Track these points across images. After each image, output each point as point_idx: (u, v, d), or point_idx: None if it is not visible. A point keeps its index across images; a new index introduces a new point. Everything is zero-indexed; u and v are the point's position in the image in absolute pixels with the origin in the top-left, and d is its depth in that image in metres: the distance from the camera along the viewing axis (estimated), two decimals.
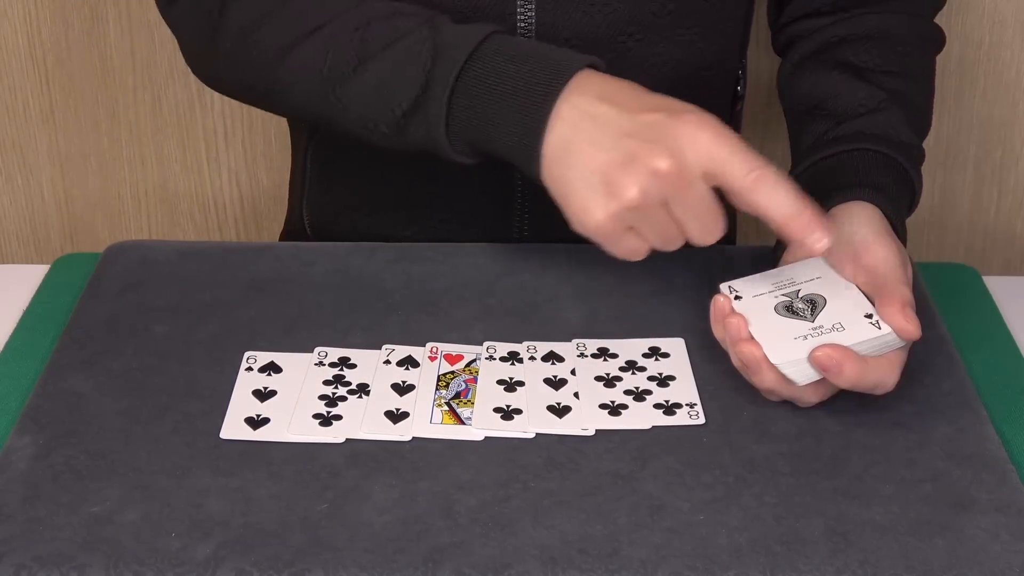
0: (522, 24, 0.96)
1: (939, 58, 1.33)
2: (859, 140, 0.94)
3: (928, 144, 1.55)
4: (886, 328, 0.79)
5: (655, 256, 0.98)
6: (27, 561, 0.70)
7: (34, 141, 1.54)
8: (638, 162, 0.78)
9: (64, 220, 1.59)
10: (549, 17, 0.96)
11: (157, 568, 0.69)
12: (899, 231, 0.89)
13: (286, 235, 1.21)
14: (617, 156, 0.79)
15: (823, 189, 0.90)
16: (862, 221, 0.87)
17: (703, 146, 0.77)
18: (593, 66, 0.84)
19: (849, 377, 0.78)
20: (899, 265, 0.84)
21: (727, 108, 1.09)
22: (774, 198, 0.77)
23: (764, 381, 0.80)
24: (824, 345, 0.79)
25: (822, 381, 0.80)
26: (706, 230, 0.79)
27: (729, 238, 1.17)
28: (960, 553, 0.71)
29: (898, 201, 0.92)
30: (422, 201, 1.06)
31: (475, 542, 0.71)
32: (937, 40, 1.07)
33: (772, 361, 0.79)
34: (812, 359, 0.78)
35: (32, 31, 1.46)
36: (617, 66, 0.96)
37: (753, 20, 1.10)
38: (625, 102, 0.81)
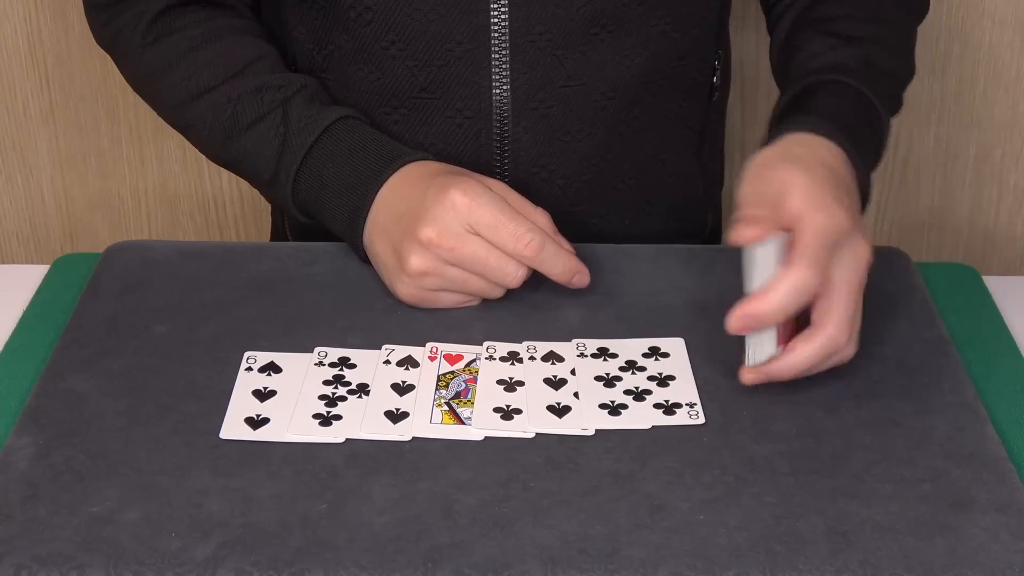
0: (495, 20, 0.97)
1: (939, 59, 1.33)
2: (819, 73, 0.98)
3: (928, 144, 1.55)
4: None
5: (655, 256, 0.98)
6: (27, 561, 0.70)
7: (34, 141, 1.54)
8: (409, 236, 0.89)
9: (64, 220, 1.59)
10: (522, 12, 0.97)
11: (157, 568, 0.69)
12: (854, 148, 0.90)
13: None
14: (397, 235, 0.90)
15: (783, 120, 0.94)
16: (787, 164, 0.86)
17: (463, 209, 0.87)
18: (421, 159, 0.94)
19: (769, 312, 0.79)
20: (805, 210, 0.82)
21: (704, 100, 1.08)
22: (547, 266, 0.89)
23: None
24: (734, 311, 0.80)
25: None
26: (499, 276, 0.89)
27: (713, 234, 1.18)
28: (960, 553, 0.71)
29: (848, 118, 0.94)
30: None
31: (475, 542, 0.71)
32: (916, 5, 1.08)
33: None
34: (730, 331, 0.80)
35: (32, 31, 1.46)
36: (587, 60, 0.98)
37: (740, 13, 1.11)
38: (418, 184, 0.91)
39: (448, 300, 0.91)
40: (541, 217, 0.91)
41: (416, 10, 0.97)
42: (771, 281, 0.79)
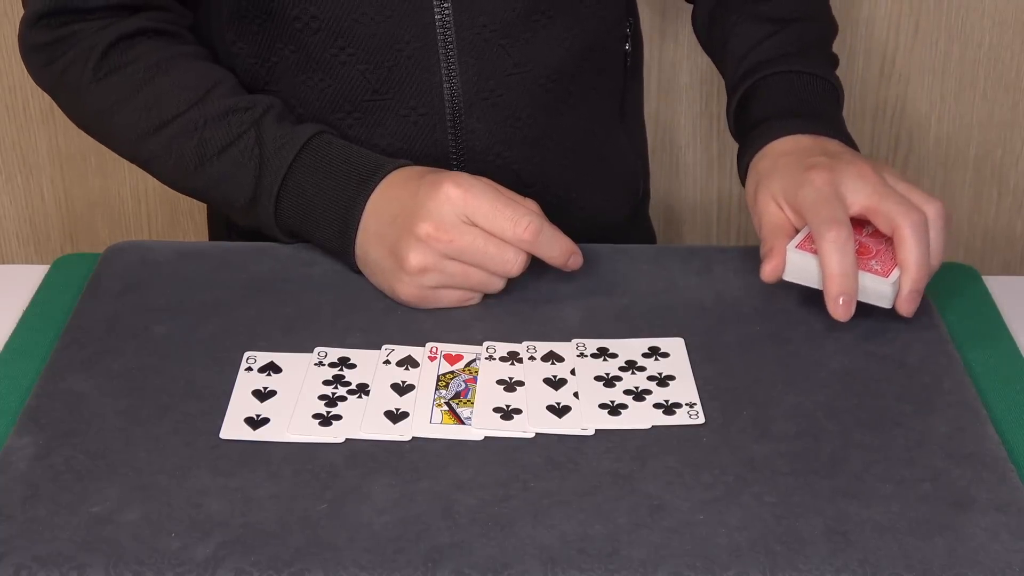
0: (439, 17, 0.98)
1: (939, 58, 1.34)
2: (767, 66, 1.03)
3: (928, 144, 1.55)
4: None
5: (655, 256, 0.98)
6: (27, 561, 0.70)
7: (34, 141, 1.54)
8: (406, 234, 0.88)
9: (64, 220, 1.59)
10: (465, 7, 0.99)
11: (157, 568, 0.69)
12: (824, 121, 0.98)
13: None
14: (393, 236, 0.89)
15: (742, 134, 1.02)
16: (759, 177, 0.94)
17: (458, 201, 0.87)
18: (402, 166, 0.94)
19: (845, 283, 0.85)
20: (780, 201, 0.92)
21: (620, 67, 1.13)
22: (544, 250, 0.89)
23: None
24: (832, 308, 0.86)
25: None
26: (499, 265, 0.89)
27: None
28: (960, 552, 0.71)
29: (807, 107, 1.00)
30: None
31: (475, 542, 0.71)
32: None
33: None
34: (845, 319, 0.86)
35: None
36: (531, 46, 1.02)
37: None
38: (407, 186, 0.91)
39: (449, 298, 0.90)
40: (532, 204, 0.90)
41: (363, 14, 0.98)
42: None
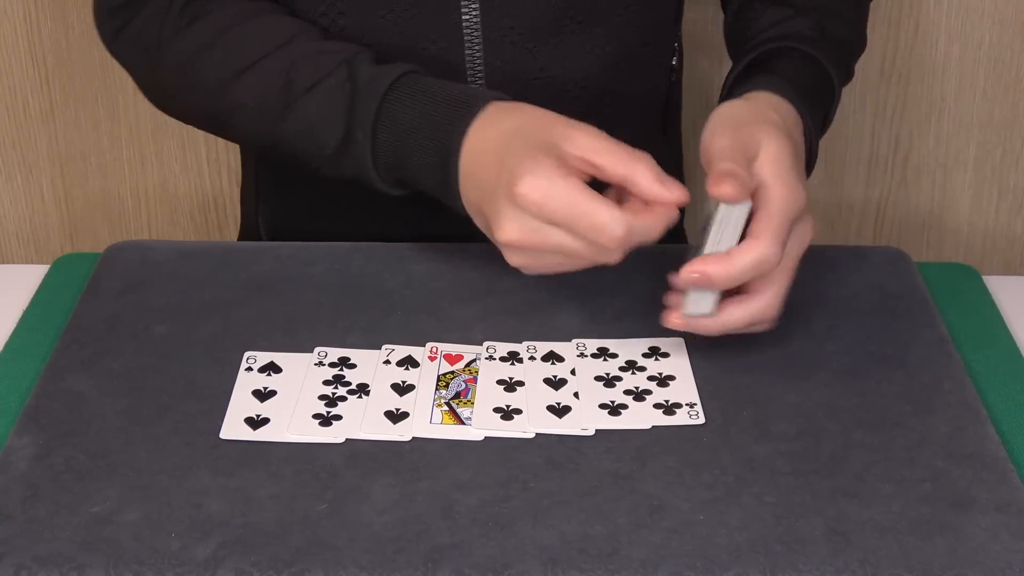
0: (467, 18, 0.98)
1: (939, 58, 1.33)
2: (775, 41, 0.98)
3: (928, 144, 1.55)
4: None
5: (655, 256, 0.98)
6: (27, 561, 0.70)
7: (34, 141, 1.54)
8: (491, 233, 0.81)
9: (64, 220, 1.59)
10: (493, 8, 0.98)
11: (157, 568, 0.69)
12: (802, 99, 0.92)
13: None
14: (486, 209, 0.82)
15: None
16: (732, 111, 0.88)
17: (534, 208, 0.78)
18: (499, 99, 0.87)
19: (725, 278, 0.80)
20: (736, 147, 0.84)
21: (665, 81, 1.11)
22: (641, 239, 0.79)
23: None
24: (686, 266, 0.80)
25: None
26: (596, 259, 0.80)
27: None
28: (960, 552, 0.71)
29: (805, 83, 0.95)
30: (385, 200, 1.06)
31: (475, 542, 0.71)
32: None
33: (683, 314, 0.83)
34: (677, 283, 0.81)
35: (32, 31, 1.46)
36: (559, 52, 1.00)
37: None
38: (496, 153, 0.83)
39: (546, 262, 0.82)
40: (639, 168, 0.80)
41: (390, 12, 0.97)
42: (733, 248, 0.80)
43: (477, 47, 0.99)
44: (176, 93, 0.99)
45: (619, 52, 1.03)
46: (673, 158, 1.16)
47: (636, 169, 0.80)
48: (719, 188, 0.79)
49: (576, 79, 1.02)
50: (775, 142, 0.84)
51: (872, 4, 1.11)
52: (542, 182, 0.78)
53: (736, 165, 0.81)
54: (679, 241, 1.22)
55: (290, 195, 1.11)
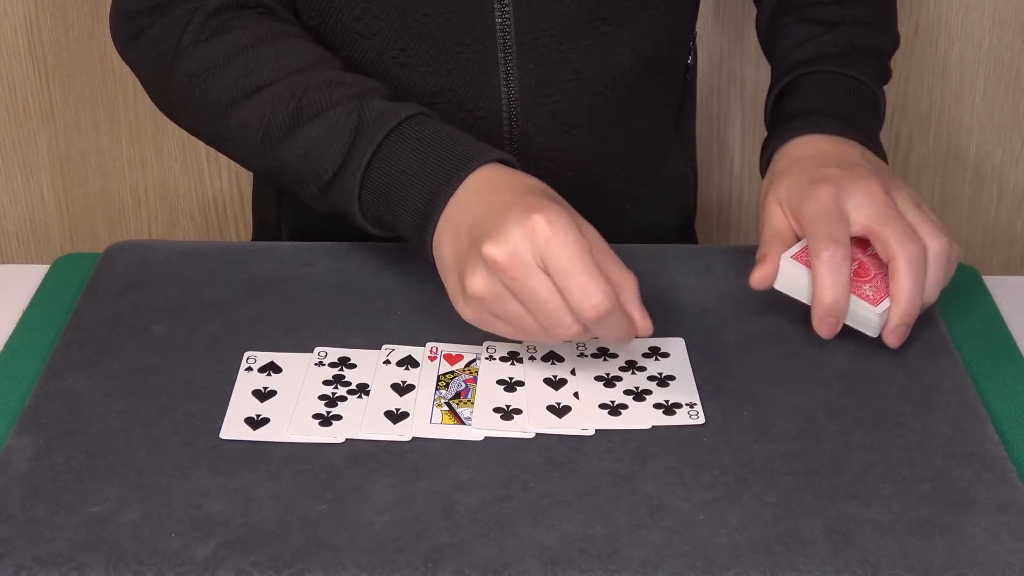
0: (500, 21, 0.97)
1: (939, 58, 1.33)
2: (805, 65, 1.01)
3: (928, 144, 1.55)
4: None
5: (655, 256, 0.98)
6: (27, 561, 0.70)
7: (34, 141, 1.54)
8: (475, 250, 0.79)
9: (64, 220, 1.60)
10: (526, 11, 0.98)
11: (157, 568, 0.69)
12: (851, 125, 0.96)
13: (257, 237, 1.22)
14: (466, 243, 0.80)
15: (769, 128, 1.01)
16: (772, 183, 0.93)
17: (542, 240, 0.77)
18: (504, 161, 0.86)
19: (833, 304, 0.85)
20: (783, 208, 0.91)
21: (680, 82, 1.12)
22: (602, 332, 0.79)
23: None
24: (817, 326, 0.86)
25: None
26: (551, 324, 0.78)
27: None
28: (960, 552, 0.71)
29: (843, 106, 0.98)
30: None
31: (475, 542, 0.71)
32: None
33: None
34: (827, 337, 0.86)
35: (32, 31, 1.46)
36: (590, 54, 1.01)
37: None
38: (504, 194, 0.81)
39: (502, 329, 0.81)
40: (628, 280, 0.80)
41: (424, 15, 0.97)
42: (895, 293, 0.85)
43: (511, 50, 0.99)
44: (183, 105, 0.98)
45: (647, 52, 1.04)
46: (687, 159, 1.17)
47: (628, 279, 0.81)
48: (755, 281, 0.88)
49: (606, 80, 1.02)
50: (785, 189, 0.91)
51: None
52: (562, 221, 0.78)
53: (765, 248, 0.89)
54: (691, 241, 1.22)
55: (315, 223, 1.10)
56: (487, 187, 0.83)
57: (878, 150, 0.96)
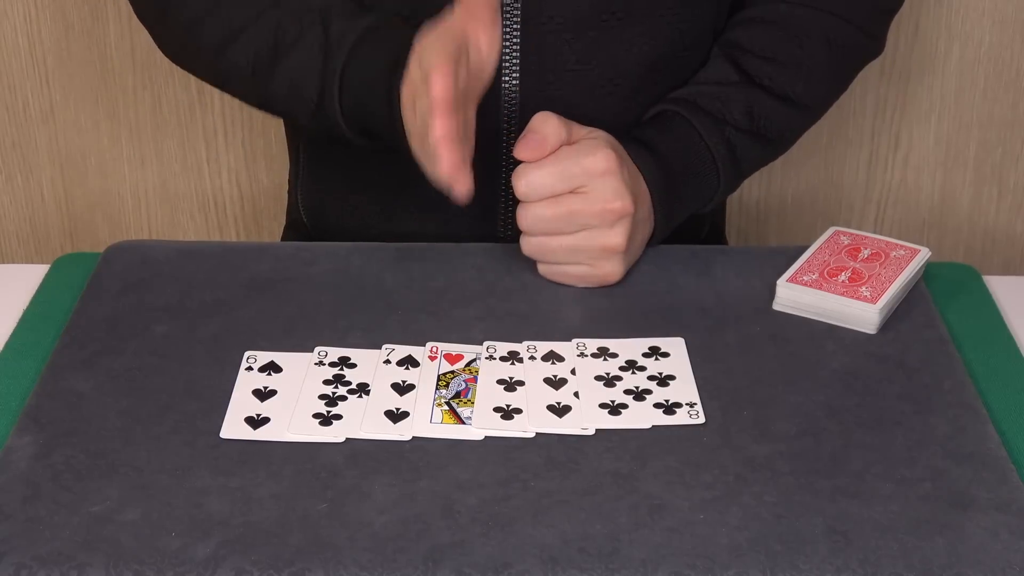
0: (507, 4, 0.97)
1: (939, 59, 1.33)
2: (674, 103, 1.02)
3: (928, 144, 1.55)
4: None
5: (655, 256, 0.98)
6: (27, 561, 0.70)
7: (34, 141, 1.54)
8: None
9: (64, 220, 1.59)
10: None
11: (157, 568, 0.69)
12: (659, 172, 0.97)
13: (288, 225, 1.23)
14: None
15: None
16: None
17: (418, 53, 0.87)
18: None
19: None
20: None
21: None
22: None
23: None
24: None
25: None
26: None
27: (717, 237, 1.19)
28: (960, 552, 0.71)
29: (675, 161, 0.99)
30: (409, 184, 1.06)
31: (475, 542, 0.71)
32: (855, 47, 1.09)
33: None
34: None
35: (32, 31, 1.46)
36: (596, 45, 1.01)
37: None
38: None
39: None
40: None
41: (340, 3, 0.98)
42: None
43: (515, 33, 0.99)
44: (183, 51, 1.04)
45: (657, 53, 1.03)
46: None
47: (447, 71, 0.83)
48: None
49: (609, 76, 1.02)
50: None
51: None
52: (429, 38, 0.87)
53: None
54: (719, 241, 1.21)
55: (327, 171, 1.12)
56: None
57: (660, 223, 0.97)
